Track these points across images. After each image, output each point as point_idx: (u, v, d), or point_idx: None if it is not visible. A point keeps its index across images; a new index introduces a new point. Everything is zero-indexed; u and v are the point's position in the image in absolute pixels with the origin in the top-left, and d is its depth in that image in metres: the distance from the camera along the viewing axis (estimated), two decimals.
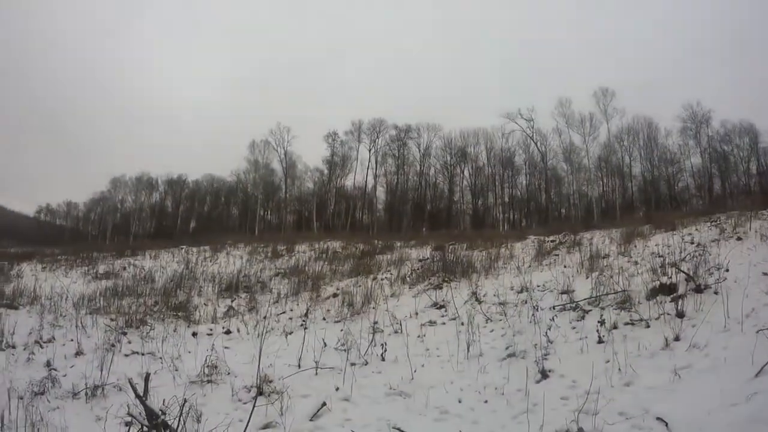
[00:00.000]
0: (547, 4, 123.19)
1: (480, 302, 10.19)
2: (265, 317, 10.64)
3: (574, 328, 7.81)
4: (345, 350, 7.60)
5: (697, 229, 13.87)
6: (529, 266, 13.30)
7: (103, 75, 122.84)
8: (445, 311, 10.15)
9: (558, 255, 14.39)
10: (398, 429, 5.02)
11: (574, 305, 8.77)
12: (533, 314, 8.34)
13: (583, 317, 8.17)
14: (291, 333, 9.44)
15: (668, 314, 7.25)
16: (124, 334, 9.31)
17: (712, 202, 35.68)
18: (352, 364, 7.14)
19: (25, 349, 8.43)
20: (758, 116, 43.93)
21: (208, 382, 6.65)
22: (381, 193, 54.11)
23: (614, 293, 8.78)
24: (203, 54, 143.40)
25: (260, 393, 5.92)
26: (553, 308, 8.80)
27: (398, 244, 20.69)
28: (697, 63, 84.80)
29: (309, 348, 7.80)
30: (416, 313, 10.21)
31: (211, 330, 9.97)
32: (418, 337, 8.75)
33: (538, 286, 10.75)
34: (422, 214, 50.32)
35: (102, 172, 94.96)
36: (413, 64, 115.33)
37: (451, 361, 7.26)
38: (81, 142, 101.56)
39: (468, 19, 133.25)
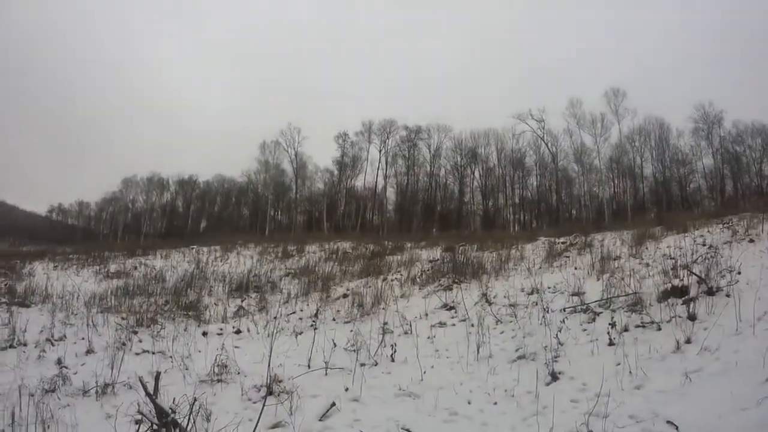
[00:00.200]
0: (557, 4, 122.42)
1: (490, 304, 10.17)
2: (275, 317, 10.71)
3: (584, 330, 7.76)
4: (355, 351, 7.62)
5: (709, 231, 13.75)
6: (540, 268, 13.25)
7: (111, 75, 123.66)
8: (455, 312, 10.14)
9: (569, 256, 14.32)
10: (407, 430, 5.04)
11: (584, 307, 8.71)
12: (543, 316, 8.32)
13: (593, 319, 8.12)
14: (301, 333, 9.49)
15: (680, 317, 7.18)
16: (135, 332, 9.41)
17: (724, 203, 35.33)
18: (362, 365, 7.16)
19: (36, 346, 8.54)
20: None
21: (218, 381, 6.69)
22: (391, 194, 54.20)
23: (625, 295, 8.72)
24: (212, 55, 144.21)
25: (270, 393, 5.94)
26: (564, 310, 8.75)
27: (408, 244, 20.71)
28: (709, 63, 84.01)
29: (319, 348, 7.83)
30: (426, 314, 10.21)
31: (221, 329, 10.05)
32: (428, 338, 8.75)
33: (549, 287, 10.70)
34: (432, 215, 50.26)
35: (113, 173, 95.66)
36: (424, 64, 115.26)
37: (460, 363, 7.25)
38: (90, 142, 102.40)
39: (477, 21, 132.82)
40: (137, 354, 8.16)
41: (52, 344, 8.81)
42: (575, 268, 12.33)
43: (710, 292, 7.85)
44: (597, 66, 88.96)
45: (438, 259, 16.02)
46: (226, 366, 6.93)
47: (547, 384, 6.07)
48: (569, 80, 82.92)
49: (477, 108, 79.77)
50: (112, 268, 17.85)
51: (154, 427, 4.84)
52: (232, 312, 11.44)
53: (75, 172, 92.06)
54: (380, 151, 53.38)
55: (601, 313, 8.32)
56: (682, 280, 8.53)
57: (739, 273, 8.56)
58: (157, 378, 5.35)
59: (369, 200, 53.19)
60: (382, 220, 51.19)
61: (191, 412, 4.82)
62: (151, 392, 5.06)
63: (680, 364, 5.68)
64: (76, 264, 19.26)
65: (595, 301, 8.82)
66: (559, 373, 6.25)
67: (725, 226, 13.83)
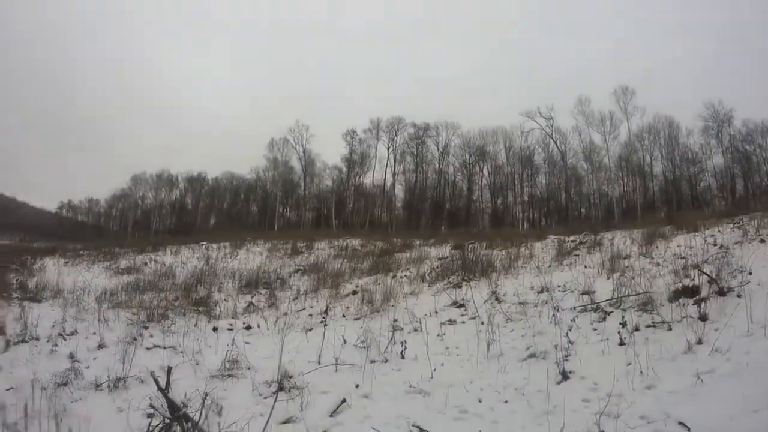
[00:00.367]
0: (565, 3, 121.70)
1: (500, 302, 10.18)
2: (285, 314, 10.76)
3: (595, 329, 7.75)
4: (365, 347, 7.66)
5: (719, 231, 13.66)
6: (549, 266, 13.22)
7: (122, 74, 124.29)
8: (465, 310, 10.15)
9: (578, 255, 14.28)
10: (418, 427, 5.05)
11: (595, 306, 8.69)
12: (554, 315, 8.30)
13: (604, 318, 8.10)
14: (311, 329, 9.54)
15: (691, 317, 7.14)
16: (146, 327, 9.51)
17: (735, 203, 35.06)
18: (372, 362, 7.19)
19: (48, 341, 8.64)
20: None
21: (229, 376, 6.75)
22: (400, 191, 54.26)
23: (636, 295, 8.67)
24: (213, 55, 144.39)
25: (281, 388, 5.99)
26: (574, 309, 8.74)
27: (417, 242, 20.72)
28: (718, 61, 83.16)
29: (329, 344, 7.85)
30: (436, 312, 10.23)
31: (231, 325, 10.13)
32: (438, 335, 8.77)
33: (559, 286, 10.68)
34: (441, 213, 50.22)
35: (119, 170, 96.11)
36: (431, 62, 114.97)
37: (470, 361, 7.26)
38: (94, 141, 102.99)
39: (483, 20, 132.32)
40: (148, 349, 8.25)
41: (64, 339, 8.92)
42: (585, 267, 12.29)
43: (721, 293, 7.80)
44: (606, 65, 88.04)
45: (447, 257, 16.03)
46: (236, 361, 6.99)
47: (558, 383, 6.06)
48: (577, 79, 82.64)
49: (485, 107, 79.35)
50: (123, 264, 18.02)
51: (166, 420, 4.90)
52: (242, 308, 11.53)
53: (82, 169, 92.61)
54: (388, 149, 53.51)
55: (612, 312, 8.30)
56: (693, 280, 8.48)
57: (750, 273, 8.50)
58: (168, 372, 5.42)
59: (377, 197, 53.27)
60: (390, 218, 51.21)
61: (203, 407, 4.87)
62: (163, 386, 5.12)
63: (691, 365, 5.65)
64: (87, 260, 19.47)
65: (606, 300, 8.80)
66: (570, 372, 6.24)
67: (736, 225, 13.74)
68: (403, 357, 7.52)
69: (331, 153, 78.63)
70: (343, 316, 10.87)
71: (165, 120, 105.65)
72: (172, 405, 4.99)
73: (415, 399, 6.08)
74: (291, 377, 6.32)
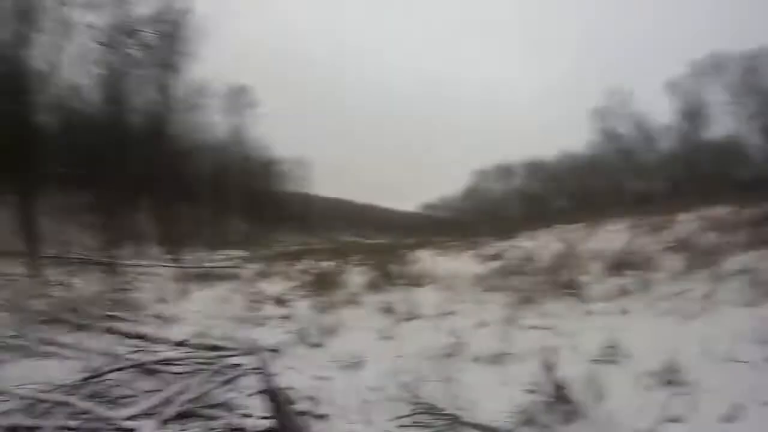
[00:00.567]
0: None
1: None
2: (660, 297, 9.85)
3: None
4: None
5: None
6: None
7: None
8: None
9: None
10: None
11: None
12: None
13: None
14: (692, 317, 8.42)
15: None
16: (520, 309, 10.06)
17: None
18: None
19: (432, 319, 10.08)
20: None
21: (608, 362, 6.56)
22: None
23: None
24: None
25: (668, 382, 5.51)
26: None
27: None
28: None
29: (717, 336, 6.71)
30: None
31: (605, 309, 9.81)
32: None
33: None
34: None
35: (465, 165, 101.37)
36: None
37: None
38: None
39: None
40: (525, 329, 8.68)
41: (446, 318, 10.28)
42: None
43: None
44: None
45: None
46: (614, 347, 6.77)
47: None
48: None
49: None
50: (488, 251, 19.38)
51: (548, 399, 5.12)
52: (613, 291, 10.95)
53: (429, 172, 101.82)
54: None
55: None
56: None
57: None
58: (552, 353, 5.59)
59: None
60: None
61: (583, 390, 4.89)
62: (548, 367, 5.34)
63: None
64: (454, 250, 21.67)
65: None
66: None
67: None
68: None
69: None
70: (729, 301, 9.10)
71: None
72: (555, 385, 5.19)
73: None
74: (677, 371, 5.72)
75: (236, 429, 4.01)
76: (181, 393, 4.30)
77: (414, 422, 5.28)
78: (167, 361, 5.42)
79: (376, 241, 44.22)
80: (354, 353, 7.95)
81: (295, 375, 6.50)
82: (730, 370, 5.95)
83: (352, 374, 6.94)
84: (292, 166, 61.81)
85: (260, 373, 5.54)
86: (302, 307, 12.52)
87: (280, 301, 13.38)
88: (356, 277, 16.78)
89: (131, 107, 24.74)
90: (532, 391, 5.47)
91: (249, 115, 44.73)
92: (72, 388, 4.53)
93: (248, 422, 4.07)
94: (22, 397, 4.17)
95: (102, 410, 3.86)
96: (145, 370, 5.14)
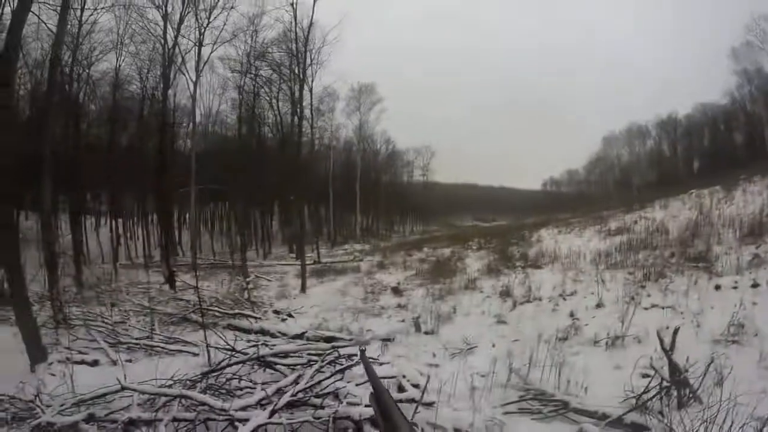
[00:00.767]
0: None
1: None
2: None
3: None
4: None
5: None
6: None
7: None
8: None
9: None
10: None
11: None
12: None
13: None
14: None
15: None
16: (643, 287, 9.48)
17: None
18: None
19: (550, 301, 9.84)
20: None
21: (733, 342, 6.01)
22: None
23: None
24: None
25: None
26: None
27: None
28: None
29: None
30: None
31: (735, 283, 8.76)
32: None
33: None
34: None
35: (591, 133, 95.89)
36: None
37: None
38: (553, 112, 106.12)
39: None
40: (646, 309, 8.23)
41: (564, 299, 9.97)
42: None
43: None
44: None
45: None
46: (743, 326, 6.15)
47: None
48: None
49: None
50: (612, 225, 18.27)
51: (665, 383, 4.77)
52: (747, 261, 9.76)
53: (550, 147, 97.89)
54: None
55: None
56: None
57: None
58: (674, 333, 5.22)
59: None
60: None
61: (705, 374, 4.51)
62: (668, 348, 4.98)
63: None
64: (577, 226, 20.71)
65: None
66: None
67: None
68: None
69: None
70: None
71: None
72: (674, 368, 4.84)
73: None
74: None
75: (342, 417, 4.21)
76: (293, 384, 4.61)
77: (520, 409, 5.24)
78: (283, 354, 5.78)
79: (496, 224, 43.40)
80: (467, 339, 8.01)
81: (405, 363, 6.67)
82: None
83: (462, 361, 6.99)
84: (415, 155, 62.55)
85: (368, 362, 5.75)
86: (418, 295, 12.73)
87: (396, 291, 13.71)
88: (475, 262, 16.76)
89: (265, 122, 27.29)
90: (647, 376, 5.16)
91: (375, 111, 46.34)
92: (191, 383, 5.02)
93: (354, 411, 4.23)
94: (142, 393, 4.52)
95: (217, 402, 4.23)
96: (262, 362, 5.55)
